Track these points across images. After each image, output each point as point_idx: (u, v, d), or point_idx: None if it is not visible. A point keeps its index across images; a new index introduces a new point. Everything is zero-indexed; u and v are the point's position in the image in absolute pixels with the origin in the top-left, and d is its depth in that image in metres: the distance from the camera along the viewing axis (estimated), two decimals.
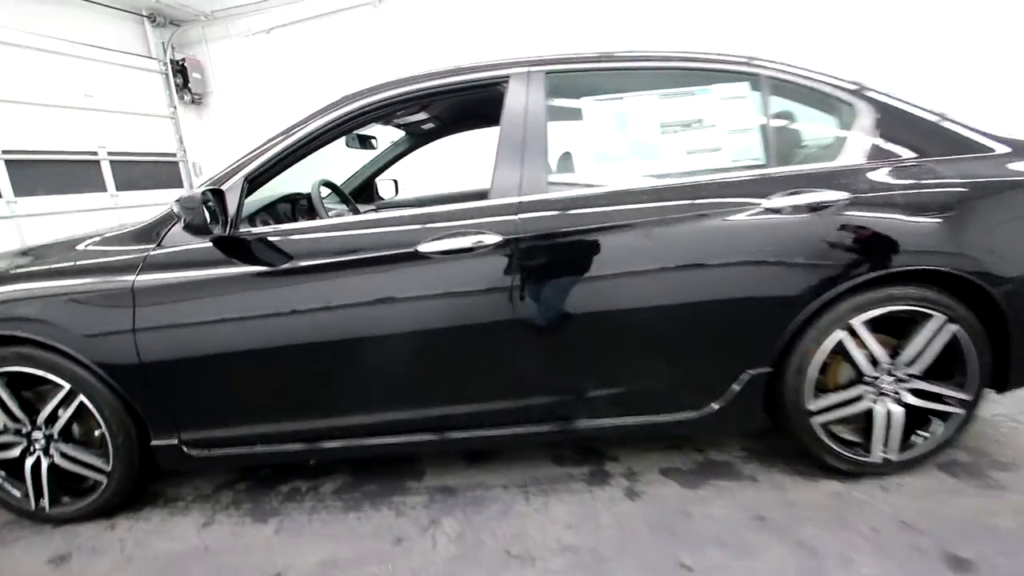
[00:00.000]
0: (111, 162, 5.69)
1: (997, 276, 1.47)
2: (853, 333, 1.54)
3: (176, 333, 1.56)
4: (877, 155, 1.55)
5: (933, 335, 1.54)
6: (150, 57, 6.29)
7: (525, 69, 1.60)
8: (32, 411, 1.69)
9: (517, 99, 1.57)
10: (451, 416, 1.63)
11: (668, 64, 1.62)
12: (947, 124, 1.60)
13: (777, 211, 1.47)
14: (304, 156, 1.67)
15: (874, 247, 1.47)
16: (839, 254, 1.47)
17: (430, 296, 1.51)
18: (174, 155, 6.54)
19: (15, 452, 1.70)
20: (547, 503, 1.66)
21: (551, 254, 1.50)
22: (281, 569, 1.48)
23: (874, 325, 1.54)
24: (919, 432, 1.65)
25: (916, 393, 1.60)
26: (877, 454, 1.62)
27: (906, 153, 1.56)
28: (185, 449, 1.66)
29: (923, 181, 1.51)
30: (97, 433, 1.67)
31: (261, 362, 1.58)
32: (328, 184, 2.37)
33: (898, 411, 1.59)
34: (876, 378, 1.59)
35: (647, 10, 5.08)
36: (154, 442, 1.66)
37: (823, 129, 1.70)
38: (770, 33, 4.73)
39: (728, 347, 1.56)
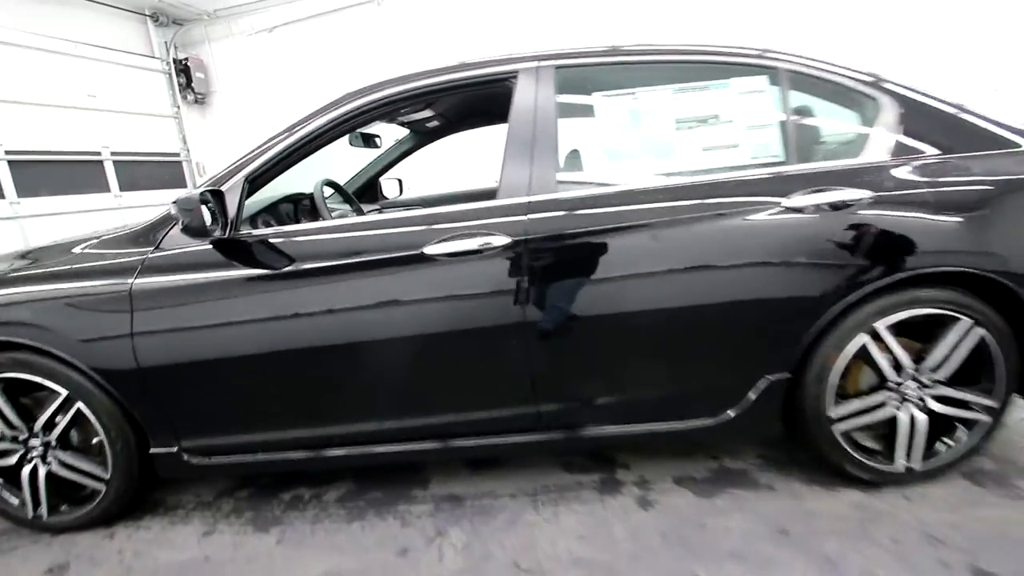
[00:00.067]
0: (114, 162, 5.68)
1: None
2: (876, 337, 1.48)
3: (175, 338, 1.52)
4: (901, 151, 1.49)
5: (960, 339, 1.48)
6: (153, 57, 6.27)
7: (534, 64, 1.55)
8: (30, 418, 1.65)
9: (526, 95, 1.52)
10: (458, 423, 1.58)
11: (683, 58, 1.56)
12: (970, 118, 1.54)
13: (798, 210, 1.41)
14: (306, 155, 1.62)
15: (899, 248, 1.41)
16: (862, 255, 1.41)
17: (437, 300, 1.46)
18: (177, 155, 6.52)
19: (12, 460, 1.66)
20: (557, 513, 1.61)
21: (562, 256, 1.44)
22: None
23: (898, 329, 1.48)
24: (943, 440, 1.58)
25: (941, 399, 1.54)
26: (900, 463, 1.56)
27: (930, 149, 1.50)
28: (185, 457, 1.61)
29: (949, 179, 1.45)
30: (95, 440, 1.63)
31: (262, 367, 1.54)
32: (331, 184, 2.32)
33: (922, 418, 1.53)
34: (900, 384, 1.53)
35: (651, 9, 5.00)
36: (153, 450, 1.62)
37: (844, 125, 1.64)
38: (774, 27, 4.65)
39: (746, 352, 1.50)
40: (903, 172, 1.46)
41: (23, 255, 1.83)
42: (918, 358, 1.52)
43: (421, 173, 3.32)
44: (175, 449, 1.61)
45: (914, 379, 1.53)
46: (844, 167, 1.47)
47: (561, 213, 1.45)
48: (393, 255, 1.46)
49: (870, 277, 1.41)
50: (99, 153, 5.55)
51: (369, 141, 2.74)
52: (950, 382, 1.52)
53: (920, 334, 1.51)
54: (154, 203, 5.80)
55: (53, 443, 1.64)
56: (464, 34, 5.38)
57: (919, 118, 1.52)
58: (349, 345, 1.50)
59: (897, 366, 1.52)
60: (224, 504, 1.82)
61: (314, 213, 2.11)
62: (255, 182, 1.56)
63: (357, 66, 5.61)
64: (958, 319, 1.47)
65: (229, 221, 1.46)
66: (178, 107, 6.45)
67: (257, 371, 1.54)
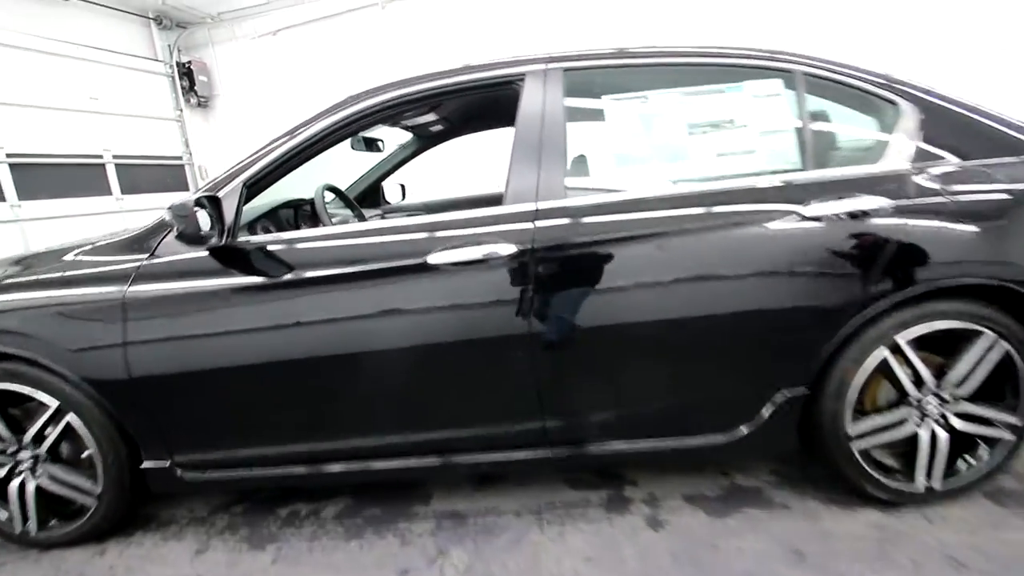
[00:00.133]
0: (116, 165, 5.66)
1: None
2: (897, 352, 1.42)
3: (169, 348, 1.47)
4: (921, 158, 1.44)
5: (983, 354, 1.42)
6: (156, 60, 6.26)
7: (542, 66, 1.50)
8: (19, 430, 1.60)
9: (534, 98, 1.47)
10: (462, 438, 1.52)
11: (696, 60, 1.51)
12: (989, 122, 1.48)
13: (816, 219, 1.36)
14: (307, 160, 1.58)
15: (921, 258, 1.35)
16: (883, 266, 1.35)
17: (440, 310, 1.41)
18: (180, 158, 6.51)
19: (0, 473, 1.61)
20: (563, 532, 1.55)
21: (570, 265, 1.39)
22: None
23: (919, 342, 1.42)
24: (964, 458, 1.52)
25: (963, 416, 1.48)
26: (920, 482, 1.50)
27: (951, 156, 1.44)
28: (178, 471, 1.56)
29: (971, 187, 1.39)
30: (86, 454, 1.57)
31: (259, 379, 1.49)
32: (332, 189, 2.27)
33: (943, 436, 1.47)
34: (921, 400, 1.47)
35: (658, 13, 4.97)
36: (145, 464, 1.56)
37: (862, 130, 1.58)
38: (777, 27, 4.61)
39: (761, 366, 1.45)
40: (924, 180, 1.40)
41: (17, 261, 1.79)
42: (939, 373, 1.46)
43: (425, 177, 3.28)
44: (168, 463, 1.56)
45: (935, 395, 1.47)
46: (863, 174, 1.42)
47: (570, 221, 1.40)
48: (395, 264, 1.41)
49: (891, 289, 1.35)
50: (101, 156, 5.53)
51: (372, 145, 2.69)
52: (972, 398, 1.46)
53: (941, 348, 1.45)
54: (156, 206, 5.77)
55: (43, 456, 1.59)
56: (469, 38, 5.35)
57: (940, 123, 1.47)
58: (349, 357, 1.44)
59: (918, 381, 1.46)
60: (219, 520, 1.76)
61: (315, 219, 2.06)
62: (254, 187, 1.52)
63: (361, 70, 5.58)
64: (981, 333, 1.41)
65: (226, 228, 1.41)
66: (181, 110, 6.44)
67: (254, 383, 1.49)
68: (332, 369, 1.46)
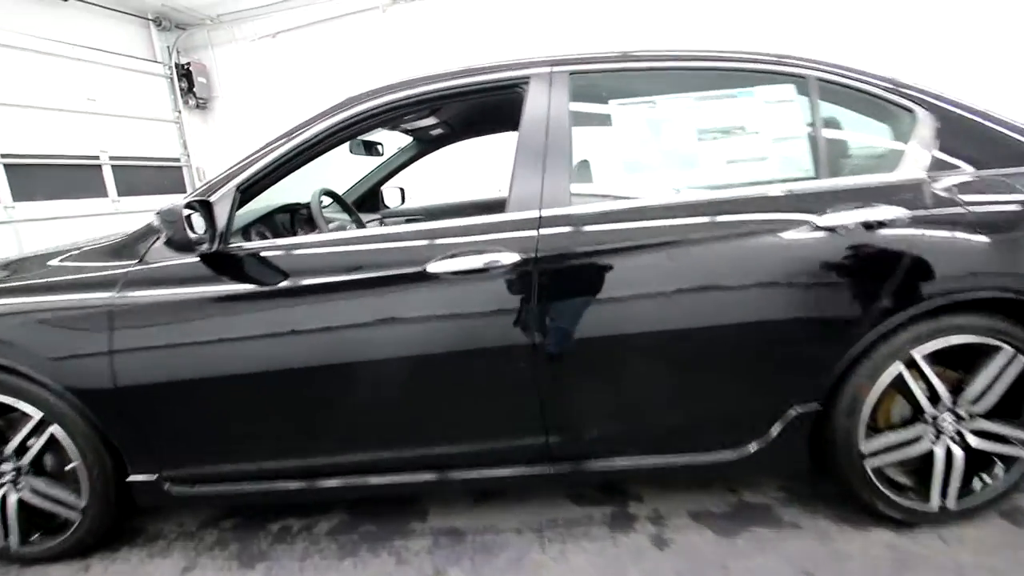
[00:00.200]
0: (113, 167, 5.61)
1: None
2: (912, 367, 1.38)
3: (157, 357, 1.41)
4: (938, 167, 1.39)
5: (1001, 370, 1.38)
6: (155, 61, 6.23)
7: (547, 69, 1.46)
8: (0, 440, 1.54)
9: (538, 102, 1.42)
10: (462, 453, 1.47)
11: (706, 64, 1.47)
12: (1007, 131, 1.44)
13: (830, 229, 1.31)
14: (303, 164, 1.53)
15: (939, 270, 1.30)
16: (899, 278, 1.30)
17: (440, 321, 1.35)
18: (178, 160, 6.46)
19: None
20: (565, 551, 1.49)
21: (575, 275, 1.34)
22: None
23: (933, 357, 1.38)
24: (980, 477, 1.47)
25: (979, 434, 1.43)
26: (934, 501, 1.45)
27: (968, 165, 1.40)
28: (166, 485, 1.50)
29: (991, 197, 1.35)
30: (70, 466, 1.51)
31: (251, 390, 1.43)
32: (329, 193, 2.23)
33: (959, 454, 1.42)
34: (936, 417, 1.42)
35: (661, 18, 4.95)
36: (132, 477, 1.50)
37: (877, 138, 1.54)
38: (780, 27, 4.59)
39: (773, 381, 1.40)
40: (941, 189, 1.36)
41: (3, 266, 1.73)
42: (954, 388, 1.42)
43: (425, 182, 3.23)
44: (155, 477, 1.50)
45: (951, 412, 1.42)
46: (878, 183, 1.37)
47: (575, 229, 1.35)
48: (393, 272, 1.36)
49: (907, 302, 1.31)
50: (97, 157, 5.48)
51: (371, 149, 2.65)
52: (989, 415, 1.41)
53: (955, 362, 1.41)
54: (152, 209, 5.70)
55: (25, 468, 1.53)
56: (470, 42, 5.32)
57: (956, 132, 1.43)
58: (344, 368, 1.39)
59: (934, 398, 1.41)
60: (207, 535, 1.70)
61: (311, 224, 2.01)
62: (248, 192, 1.46)
63: (362, 74, 5.54)
64: (1000, 348, 1.36)
65: (218, 233, 1.36)
66: (179, 112, 6.40)
67: (245, 394, 1.44)
68: (327, 381, 1.40)
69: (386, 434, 1.47)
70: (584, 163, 1.55)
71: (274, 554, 1.58)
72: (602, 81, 1.50)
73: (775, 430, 1.41)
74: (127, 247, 1.49)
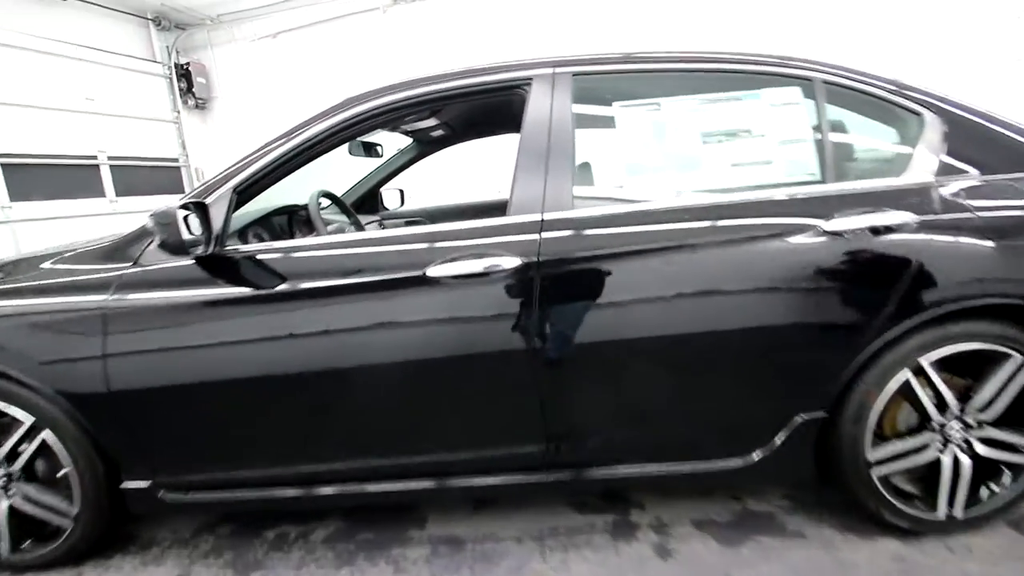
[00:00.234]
0: (111, 167, 5.58)
1: None
2: (919, 374, 1.35)
3: (151, 361, 1.39)
4: (946, 171, 1.37)
5: (1010, 378, 1.35)
6: (154, 61, 6.20)
7: (550, 70, 1.43)
8: None
9: (540, 104, 1.40)
10: (461, 460, 1.44)
11: (711, 66, 1.45)
12: (1015, 135, 1.42)
13: (837, 234, 1.29)
14: (301, 165, 1.50)
15: (948, 276, 1.28)
16: (907, 284, 1.28)
17: (440, 326, 1.33)
18: (176, 160, 6.43)
19: None
20: (566, 560, 1.47)
21: (578, 280, 1.32)
22: None
23: (941, 364, 1.35)
24: (988, 485, 1.45)
25: (987, 442, 1.40)
26: (941, 510, 1.43)
27: (976, 169, 1.38)
28: (159, 492, 1.47)
29: (1001, 202, 1.33)
30: (62, 472, 1.48)
31: (246, 395, 1.41)
32: (328, 195, 2.20)
33: (967, 462, 1.40)
34: (943, 425, 1.40)
35: (662, 21, 4.93)
36: (125, 484, 1.47)
37: (885, 141, 1.52)
38: (782, 28, 4.58)
39: (779, 388, 1.37)
40: (949, 194, 1.34)
41: None
42: (962, 395, 1.39)
43: (424, 183, 3.21)
44: (149, 483, 1.47)
45: (959, 419, 1.40)
46: (886, 188, 1.35)
47: (578, 233, 1.33)
48: (392, 276, 1.33)
49: (916, 308, 1.28)
50: (95, 157, 5.45)
51: (370, 150, 2.62)
52: (997, 423, 1.39)
53: (962, 369, 1.38)
54: (151, 209, 5.67)
55: (16, 474, 1.50)
56: (471, 44, 5.31)
57: (964, 135, 1.41)
58: (342, 373, 1.37)
59: (941, 405, 1.39)
60: (202, 542, 1.67)
61: (309, 226, 1.99)
62: (245, 193, 1.44)
63: (361, 74, 5.52)
64: (1009, 355, 1.34)
65: (213, 236, 1.33)
66: (178, 112, 6.38)
67: (240, 399, 1.41)
68: (324, 386, 1.38)
69: (385, 441, 1.45)
70: (587, 166, 1.53)
71: (269, 562, 1.55)
72: (606, 83, 1.48)
73: (780, 438, 1.39)
74: (121, 249, 1.46)
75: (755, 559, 1.43)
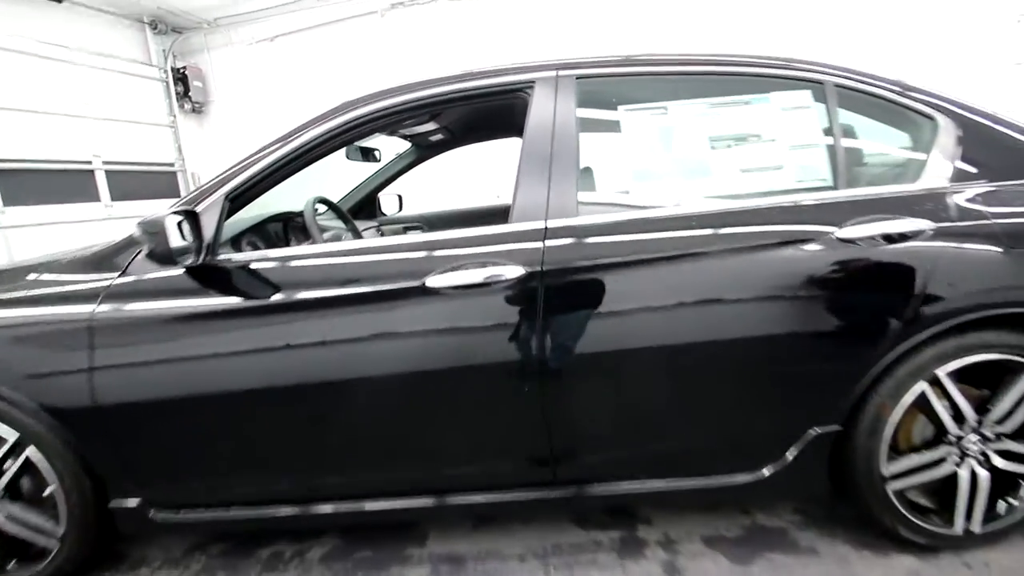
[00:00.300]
0: (106, 172, 5.52)
1: None
2: (935, 385, 1.31)
3: (140, 375, 1.33)
4: (961, 177, 1.33)
5: None
6: (150, 64, 6.15)
7: (553, 73, 1.39)
8: None
9: (543, 107, 1.36)
10: (463, 477, 1.40)
11: (719, 69, 1.41)
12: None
13: (851, 242, 1.25)
14: (297, 170, 1.46)
15: (966, 285, 1.24)
16: (924, 293, 1.24)
17: (441, 338, 1.28)
18: (172, 165, 6.37)
19: None
20: None
21: (583, 290, 1.27)
22: None
23: (957, 375, 1.31)
24: (1006, 499, 1.40)
25: (1005, 455, 1.36)
26: (959, 525, 1.38)
27: (992, 175, 1.34)
28: (149, 511, 1.42)
29: (1019, 208, 1.29)
30: (48, 491, 1.43)
31: (238, 410, 1.36)
32: (324, 201, 2.15)
33: (984, 476, 1.35)
34: (960, 438, 1.35)
35: (664, 24, 4.91)
36: (113, 503, 1.42)
37: (898, 146, 1.48)
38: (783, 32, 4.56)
39: (793, 401, 1.33)
40: (966, 200, 1.30)
41: None
42: (979, 407, 1.35)
43: (421, 188, 3.16)
44: (138, 502, 1.41)
45: (976, 432, 1.35)
46: (900, 194, 1.31)
47: (583, 241, 1.28)
48: (390, 286, 1.29)
49: (934, 318, 1.24)
50: (90, 162, 5.39)
51: (368, 155, 2.58)
52: (1015, 435, 1.35)
53: (977, 379, 1.34)
54: (146, 214, 5.62)
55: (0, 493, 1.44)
56: (469, 48, 5.27)
57: (979, 140, 1.37)
58: (338, 387, 1.31)
59: (958, 417, 1.34)
60: (194, 562, 1.61)
61: (305, 233, 1.94)
62: (238, 200, 1.39)
63: (359, 78, 5.49)
64: None
65: (205, 245, 1.28)
66: (174, 116, 6.32)
67: (232, 414, 1.36)
68: (319, 401, 1.33)
69: (383, 457, 1.40)
70: (592, 172, 1.48)
71: None
72: (611, 86, 1.43)
73: (792, 453, 1.34)
74: (109, 258, 1.41)
75: None
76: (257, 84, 6.18)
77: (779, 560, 1.43)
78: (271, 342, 1.30)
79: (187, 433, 1.39)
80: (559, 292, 1.26)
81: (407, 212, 2.93)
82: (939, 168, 1.34)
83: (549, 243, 1.27)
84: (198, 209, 1.27)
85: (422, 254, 1.33)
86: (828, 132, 1.36)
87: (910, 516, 1.38)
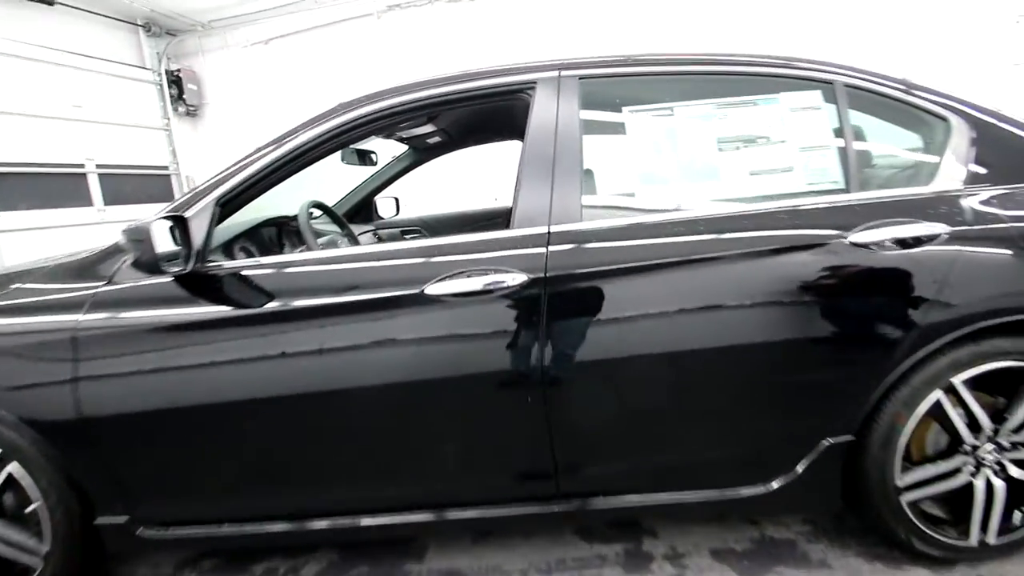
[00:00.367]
0: (99, 175, 5.45)
1: None
2: (951, 393, 1.27)
3: (127, 386, 1.28)
4: (975, 179, 1.30)
5: None
6: (144, 67, 6.09)
7: (555, 73, 1.35)
8: None
9: (546, 109, 1.32)
10: (464, 491, 1.35)
11: (726, 69, 1.37)
12: None
13: (864, 246, 1.21)
14: (290, 174, 1.41)
15: (983, 290, 1.21)
16: (940, 299, 1.20)
17: (440, 348, 1.24)
18: (166, 168, 6.31)
19: None
20: None
21: (587, 297, 1.22)
22: None
23: (972, 382, 1.27)
24: (1023, 510, 1.36)
25: (1021, 464, 1.32)
26: (974, 537, 1.34)
27: (1006, 177, 1.31)
28: (137, 528, 1.36)
29: None
30: (31, 508, 1.37)
31: (229, 423, 1.31)
32: (319, 206, 2.10)
33: (1000, 485, 1.32)
34: (976, 447, 1.32)
35: (661, 29, 4.89)
36: (99, 520, 1.36)
37: (910, 148, 1.44)
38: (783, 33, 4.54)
39: (806, 410, 1.29)
40: (981, 203, 1.26)
41: None
42: (994, 415, 1.31)
43: (418, 190, 3.11)
44: (125, 519, 1.36)
45: (992, 441, 1.32)
46: (914, 197, 1.28)
47: (588, 246, 1.24)
48: (387, 294, 1.24)
49: (950, 325, 1.20)
50: (83, 165, 5.32)
51: (364, 158, 2.53)
52: None
53: (990, 386, 1.30)
54: (140, 218, 5.55)
55: None
56: (466, 51, 5.23)
57: (993, 142, 1.34)
58: (332, 399, 1.26)
59: (973, 426, 1.30)
60: None
61: (301, 238, 1.89)
62: (228, 205, 1.34)
63: (355, 81, 5.43)
64: None
65: (194, 252, 1.23)
66: (168, 119, 6.25)
67: (222, 427, 1.31)
68: (314, 413, 1.28)
69: (380, 471, 1.35)
70: (596, 175, 1.44)
71: None
72: (615, 86, 1.39)
73: (804, 464, 1.30)
74: (94, 266, 1.36)
75: None
76: (252, 87, 6.12)
77: (789, 574, 1.39)
78: (262, 352, 1.25)
79: (176, 447, 1.33)
80: (563, 299, 1.22)
81: (404, 216, 2.88)
82: (953, 170, 1.30)
83: (553, 248, 1.23)
84: (187, 215, 1.22)
85: (421, 260, 1.28)
86: (839, 133, 1.32)
87: (924, 528, 1.34)
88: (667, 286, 1.23)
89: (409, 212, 2.92)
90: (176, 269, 1.21)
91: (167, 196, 6.23)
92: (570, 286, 1.22)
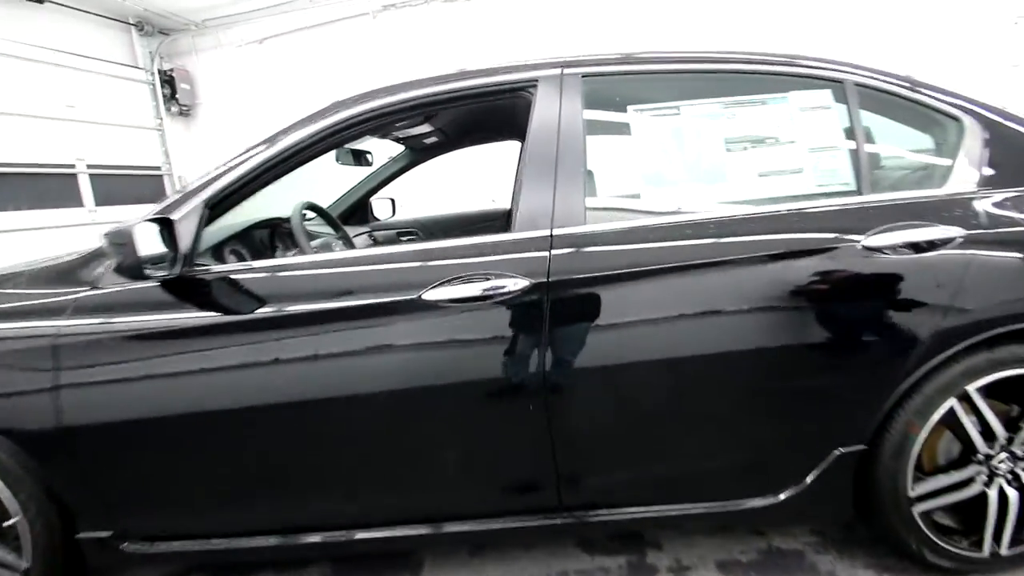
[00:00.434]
0: (90, 176, 5.37)
1: None
2: (965, 402, 1.24)
3: (109, 394, 1.23)
4: (989, 182, 1.27)
5: None
6: (137, 67, 6.01)
7: (557, 71, 1.31)
8: None
9: (547, 108, 1.27)
10: (463, 504, 1.30)
11: (734, 67, 1.33)
12: None
13: (878, 250, 1.17)
14: (282, 175, 1.36)
15: (999, 296, 1.18)
16: (955, 304, 1.17)
17: (438, 356, 1.19)
18: (159, 168, 6.23)
19: None
20: None
21: (591, 302, 1.18)
22: None
23: (986, 390, 1.24)
24: None
25: None
26: (987, 548, 1.30)
27: (1022, 178, 1.27)
28: (121, 543, 1.30)
29: None
30: (10, 522, 1.31)
31: (217, 433, 1.25)
32: (313, 207, 2.05)
33: (1014, 495, 1.28)
34: (989, 456, 1.28)
35: (660, 30, 4.86)
36: (81, 534, 1.31)
37: (923, 149, 1.41)
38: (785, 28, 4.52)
39: (818, 418, 1.25)
40: (996, 206, 1.23)
41: None
42: (1008, 424, 1.28)
43: (413, 191, 3.06)
44: (108, 533, 1.30)
45: (1005, 450, 1.28)
46: (927, 199, 1.24)
47: (592, 250, 1.19)
48: (383, 300, 1.19)
49: (966, 331, 1.17)
50: (73, 166, 5.24)
51: (359, 158, 2.48)
52: None
53: (1002, 393, 1.26)
54: (132, 219, 5.47)
55: None
56: (463, 51, 5.19)
57: (1006, 143, 1.31)
58: (326, 409, 1.22)
59: (987, 435, 1.27)
60: None
61: (294, 240, 1.83)
62: (217, 207, 1.29)
63: (350, 81, 5.37)
64: None
65: (181, 256, 1.17)
66: (161, 119, 6.18)
67: (210, 437, 1.26)
68: (307, 424, 1.23)
69: (375, 483, 1.30)
70: (600, 176, 1.40)
71: None
72: (619, 85, 1.35)
73: (814, 473, 1.26)
74: (76, 270, 1.30)
75: None
76: (246, 87, 6.06)
77: None
78: (252, 360, 1.20)
79: (162, 458, 1.28)
80: (567, 305, 1.17)
81: (400, 217, 2.83)
82: (966, 172, 1.27)
83: (555, 252, 1.18)
84: (174, 217, 1.17)
85: (418, 264, 1.24)
86: (850, 134, 1.29)
87: (936, 539, 1.31)
88: (674, 291, 1.19)
89: (405, 214, 2.88)
90: (162, 273, 1.15)
91: (160, 197, 6.06)
92: (574, 291, 1.17)
